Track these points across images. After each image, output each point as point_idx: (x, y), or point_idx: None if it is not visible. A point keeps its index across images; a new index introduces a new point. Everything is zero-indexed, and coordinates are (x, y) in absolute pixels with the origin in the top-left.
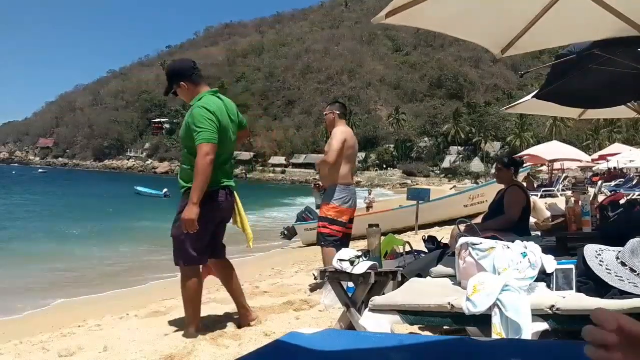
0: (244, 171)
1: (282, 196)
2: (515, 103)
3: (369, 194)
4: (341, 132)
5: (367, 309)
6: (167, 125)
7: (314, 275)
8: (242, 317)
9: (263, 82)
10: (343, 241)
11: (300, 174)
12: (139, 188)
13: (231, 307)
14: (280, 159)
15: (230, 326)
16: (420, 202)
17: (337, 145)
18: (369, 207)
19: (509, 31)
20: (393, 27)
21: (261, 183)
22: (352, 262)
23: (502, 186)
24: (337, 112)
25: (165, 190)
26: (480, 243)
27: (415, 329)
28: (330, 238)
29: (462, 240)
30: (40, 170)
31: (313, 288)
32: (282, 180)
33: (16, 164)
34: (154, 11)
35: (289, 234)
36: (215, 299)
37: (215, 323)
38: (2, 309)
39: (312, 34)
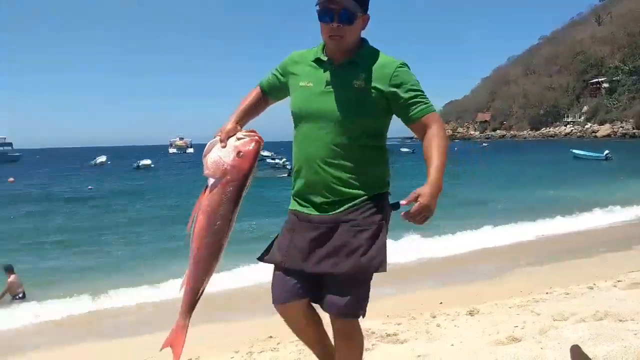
0: None
1: None
2: None
3: None
4: None
5: None
6: (606, 85)
7: None
8: None
9: None
10: None
11: None
12: (577, 151)
13: None
14: None
15: None
16: None
17: None
18: None
19: None
20: None
21: None
22: None
23: None
24: None
25: (606, 152)
26: None
27: None
28: None
29: None
30: (484, 144)
31: None
32: None
33: (458, 140)
34: None
35: None
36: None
37: None
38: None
39: None
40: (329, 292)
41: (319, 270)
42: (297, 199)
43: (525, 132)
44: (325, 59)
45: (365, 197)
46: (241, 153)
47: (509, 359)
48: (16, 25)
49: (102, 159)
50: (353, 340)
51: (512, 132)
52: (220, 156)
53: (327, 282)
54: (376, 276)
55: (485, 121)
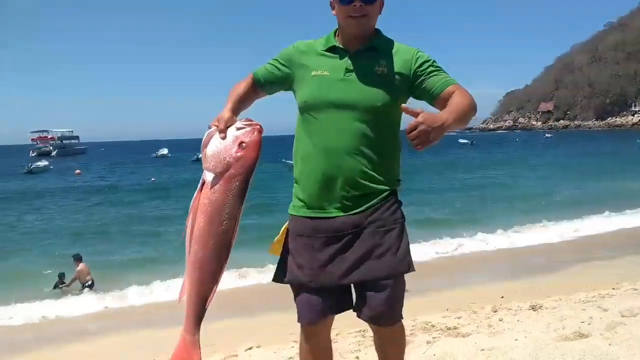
0: None
1: None
2: None
3: None
4: None
5: None
6: None
7: None
8: None
9: None
10: None
11: None
12: None
13: None
14: None
15: None
16: None
17: None
18: None
19: None
20: None
21: None
22: None
23: None
24: None
25: None
26: None
27: None
28: None
29: None
30: (547, 135)
31: None
32: None
33: (519, 131)
34: None
35: None
36: None
37: None
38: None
39: None
40: (368, 301)
41: (352, 281)
42: (306, 201)
43: (590, 122)
44: (340, 46)
45: (387, 192)
46: (244, 144)
47: (576, 354)
48: (77, 24)
49: (163, 151)
50: (399, 343)
51: (576, 122)
52: (221, 148)
53: (362, 291)
54: (434, 269)
55: (548, 111)
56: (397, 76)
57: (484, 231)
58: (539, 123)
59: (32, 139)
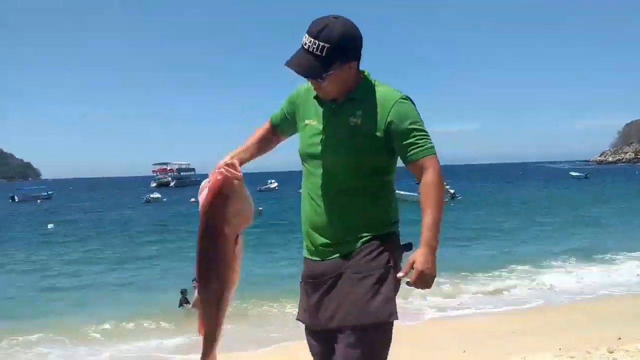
0: None
1: None
2: None
3: None
4: None
5: None
6: None
7: None
8: None
9: None
10: None
11: None
12: None
13: None
14: None
15: None
16: None
17: None
18: None
19: None
20: None
21: None
22: None
23: None
24: None
25: None
26: None
27: None
28: None
29: None
30: None
31: None
32: None
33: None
34: None
35: None
36: None
37: None
38: None
39: None
40: (336, 351)
41: (334, 326)
42: (304, 245)
43: None
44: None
45: (367, 238)
46: (205, 189)
47: None
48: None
49: (271, 184)
50: None
51: None
52: (202, 194)
53: (338, 338)
54: (551, 310)
55: None
56: (370, 127)
57: (604, 271)
58: None
59: (154, 171)
